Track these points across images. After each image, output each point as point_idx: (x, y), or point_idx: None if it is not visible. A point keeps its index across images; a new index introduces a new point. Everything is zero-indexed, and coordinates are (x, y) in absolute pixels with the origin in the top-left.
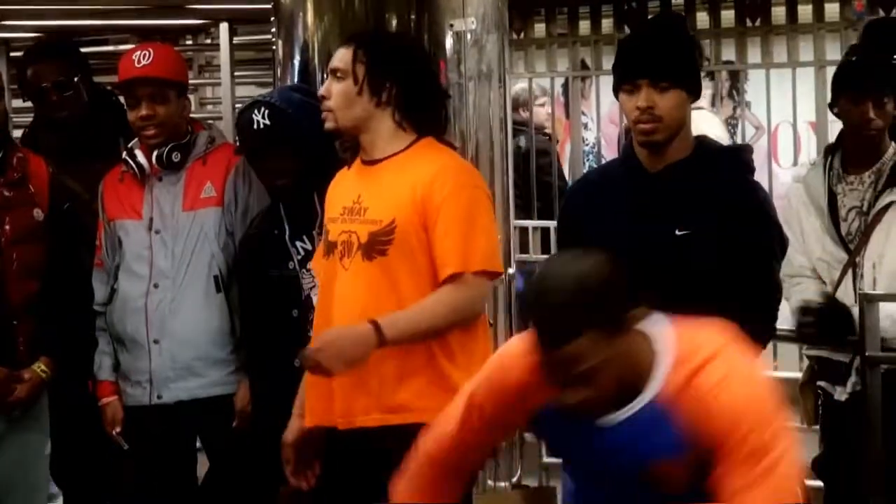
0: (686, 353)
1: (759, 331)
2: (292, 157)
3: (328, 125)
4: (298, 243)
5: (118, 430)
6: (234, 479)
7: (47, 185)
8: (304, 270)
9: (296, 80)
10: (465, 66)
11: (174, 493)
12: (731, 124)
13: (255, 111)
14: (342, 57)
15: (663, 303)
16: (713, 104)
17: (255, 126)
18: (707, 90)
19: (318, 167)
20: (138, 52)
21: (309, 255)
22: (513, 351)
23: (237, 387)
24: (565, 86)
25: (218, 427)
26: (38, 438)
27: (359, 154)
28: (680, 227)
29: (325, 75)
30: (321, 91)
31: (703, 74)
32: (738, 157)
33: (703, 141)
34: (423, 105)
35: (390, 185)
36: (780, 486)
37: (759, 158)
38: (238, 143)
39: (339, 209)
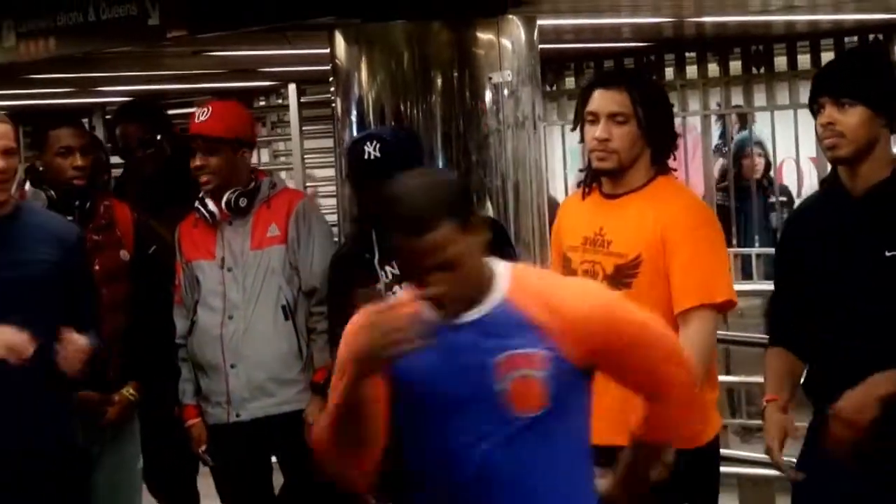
0: (522, 268)
1: None
2: None
3: (607, 165)
4: (387, 268)
5: (203, 448)
6: (307, 491)
7: (132, 230)
8: (389, 293)
9: (354, 132)
10: (503, 114)
11: (255, 500)
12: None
13: (368, 143)
14: (619, 101)
15: (871, 325)
16: (724, 143)
17: (367, 157)
18: (717, 131)
19: None
20: (200, 109)
21: (396, 279)
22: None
23: (307, 404)
24: None
25: (291, 442)
26: (132, 455)
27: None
28: (889, 249)
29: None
30: (600, 134)
31: (714, 119)
32: None
33: None
34: (669, 143)
35: (635, 220)
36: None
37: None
38: (346, 172)
39: (579, 238)
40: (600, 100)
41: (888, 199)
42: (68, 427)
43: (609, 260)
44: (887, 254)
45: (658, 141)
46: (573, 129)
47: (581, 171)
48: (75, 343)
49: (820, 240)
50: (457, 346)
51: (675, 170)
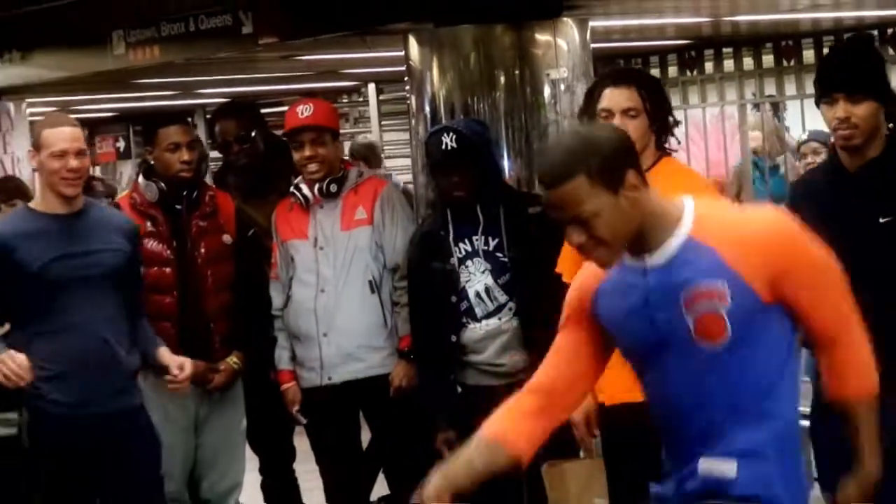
0: (708, 204)
1: None
2: (470, 175)
3: None
4: (461, 244)
5: (297, 408)
6: (392, 446)
7: (233, 216)
8: (462, 267)
9: (428, 126)
10: (560, 107)
11: (345, 455)
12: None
13: (445, 135)
14: (630, 97)
15: (866, 286)
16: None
17: (444, 147)
18: (752, 118)
19: (485, 184)
20: (301, 106)
21: (468, 255)
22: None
23: (393, 368)
24: None
25: (378, 402)
26: (236, 417)
27: None
28: (882, 216)
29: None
30: None
31: (749, 107)
32: None
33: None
34: (670, 129)
35: None
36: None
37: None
38: (426, 160)
39: None
40: (613, 97)
41: (881, 172)
42: (136, 391)
43: None
44: (881, 220)
45: (662, 128)
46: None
47: None
48: (183, 369)
49: (819, 211)
50: (648, 289)
51: (676, 150)
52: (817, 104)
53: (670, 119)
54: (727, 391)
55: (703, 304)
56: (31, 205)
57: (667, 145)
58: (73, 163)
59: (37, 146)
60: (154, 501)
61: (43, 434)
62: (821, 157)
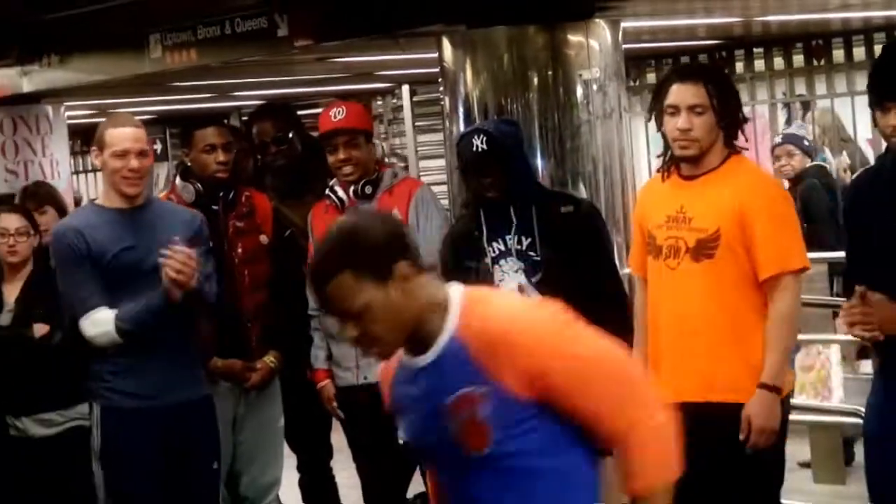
0: (474, 299)
1: None
2: (501, 176)
3: (690, 152)
4: (494, 244)
5: (335, 404)
6: None
7: (270, 217)
8: (496, 266)
9: (461, 126)
10: (593, 107)
11: (382, 453)
12: None
13: (476, 136)
14: (697, 93)
15: None
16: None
17: (475, 149)
18: (783, 117)
19: (517, 184)
20: (334, 109)
21: (502, 254)
22: None
23: None
24: None
25: None
26: (273, 415)
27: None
28: None
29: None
30: (682, 125)
31: (780, 106)
32: None
33: None
34: (739, 127)
35: (713, 198)
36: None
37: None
38: (456, 161)
39: (662, 217)
40: (679, 93)
41: None
42: (203, 381)
43: (691, 235)
44: None
45: (730, 126)
46: (649, 120)
47: (658, 156)
48: (183, 251)
49: (881, 206)
50: (420, 392)
51: (747, 148)
52: (871, 109)
53: (740, 116)
54: (499, 496)
55: (463, 411)
56: (97, 202)
57: (742, 142)
58: (134, 163)
59: (100, 145)
60: (213, 492)
61: (115, 427)
62: (795, 160)
